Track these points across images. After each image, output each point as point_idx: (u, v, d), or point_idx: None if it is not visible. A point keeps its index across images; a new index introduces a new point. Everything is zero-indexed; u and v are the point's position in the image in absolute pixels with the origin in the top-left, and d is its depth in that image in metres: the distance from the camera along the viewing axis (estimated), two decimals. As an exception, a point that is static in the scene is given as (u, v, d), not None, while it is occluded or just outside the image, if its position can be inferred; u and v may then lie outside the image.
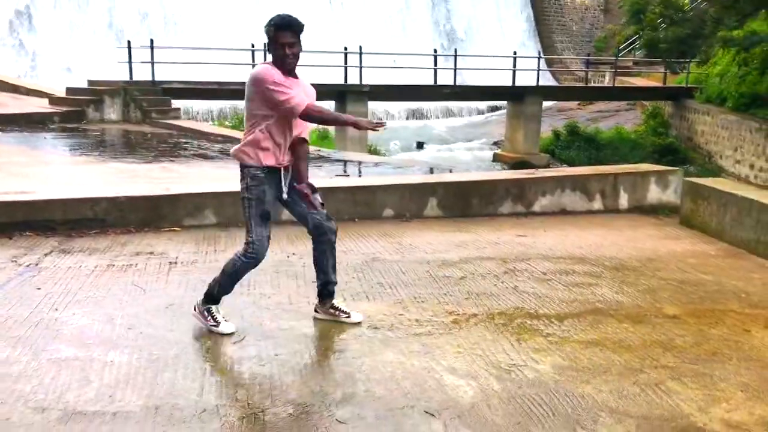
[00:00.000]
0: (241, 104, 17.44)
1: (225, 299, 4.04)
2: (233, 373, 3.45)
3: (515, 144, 23.01)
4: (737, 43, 20.57)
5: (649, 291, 5.02)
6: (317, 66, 20.56)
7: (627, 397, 3.33)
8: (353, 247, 5.92)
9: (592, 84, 29.64)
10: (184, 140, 13.92)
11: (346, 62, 20.91)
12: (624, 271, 5.53)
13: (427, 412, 3.10)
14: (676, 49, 20.12)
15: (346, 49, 20.88)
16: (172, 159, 11.15)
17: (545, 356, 3.77)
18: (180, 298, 4.45)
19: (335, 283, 4.17)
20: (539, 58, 25.99)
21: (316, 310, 4.21)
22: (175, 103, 17.57)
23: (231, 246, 5.74)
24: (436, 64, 22.34)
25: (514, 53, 23.75)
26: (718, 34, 20.47)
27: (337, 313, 4.15)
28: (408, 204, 7.18)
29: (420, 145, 26.58)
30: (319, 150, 13.52)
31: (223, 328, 3.90)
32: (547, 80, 33.09)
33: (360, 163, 12.20)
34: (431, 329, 4.11)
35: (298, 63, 3.78)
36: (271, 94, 3.66)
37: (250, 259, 3.85)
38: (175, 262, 5.27)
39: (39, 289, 4.54)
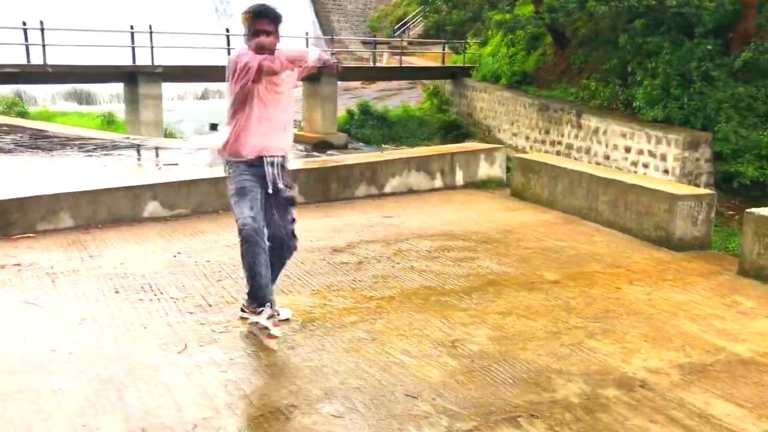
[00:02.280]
0: (3, 88, 15.96)
1: (146, 306, 3.84)
2: (200, 383, 3.33)
3: (314, 124, 23.31)
4: (508, 25, 22.59)
5: (524, 260, 5.57)
6: (103, 46, 19.22)
7: (562, 358, 3.76)
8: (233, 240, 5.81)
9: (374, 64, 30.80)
10: (-35, 132, 12.36)
11: (133, 42, 19.67)
12: (493, 243, 6.05)
13: (408, 395, 3.27)
14: (459, 30, 21.62)
15: (132, 27, 19.64)
16: (-35, 155, 9.89)
17: (476, 329, 4.10)
18: (88, 312, 4.12)
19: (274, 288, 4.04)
20: (326, 39, 26.38)
21: (242, 310, 4.06)
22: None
23: (104, 250, 5.38)
24: (229, 45, 21.83)
25: (306, 34, 23.91)
26: (492, 18, 22.32)
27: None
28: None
29: (214, 127, 25.89)
30: (128, 137, 12.77)
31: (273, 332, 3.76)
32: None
33: (159, 149, 11.72)
34: (363, 316, 4.25)
35: None
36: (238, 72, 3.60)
37: (244, 240, 3.68)
38: (54, 273, 4.82)
39: None
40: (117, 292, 4.49)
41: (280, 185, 3.82)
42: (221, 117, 27.11)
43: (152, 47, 19.54)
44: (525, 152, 21.78)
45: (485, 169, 8.88)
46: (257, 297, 3.74)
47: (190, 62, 20.56)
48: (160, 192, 6.45)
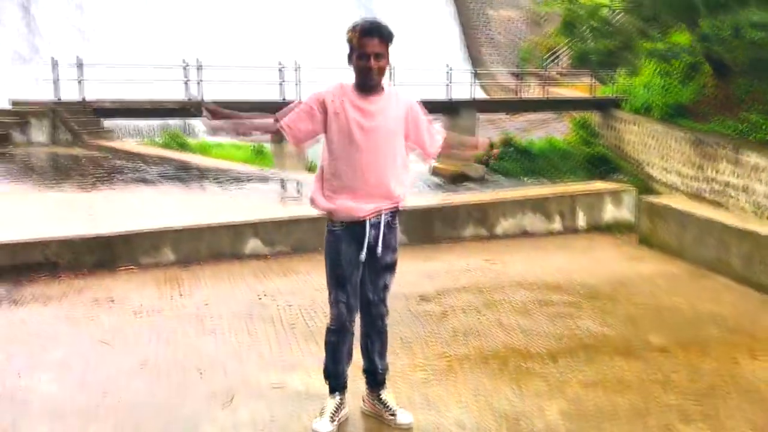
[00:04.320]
0: (170, 122, 16.85)
1: (210, 350, 3.77)
2: (233, 444, 3.19)
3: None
4: (660, 54, 21.33)
5: (631, 320, 5.00)
6: (254, 82, 20.25)
7: (643, 445, 3.25)
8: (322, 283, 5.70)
9: (521, 95, 30.22)
10: (119, 163, 13.35)
11: (282, 77, 20.59)
12: (600, 298, 5.51)
13: (447, 478, 2.93)
14: (606, 60, 20.71)
15: (280, 63, 20.57)
16: (111, 186, 10.62)
17: (549, 402, 3.66)
18: (153, 355, 4.14)
19: (382, 371, 3.47)
20: (473, 72, 26.29)
21: (363, 400, 3.51)
22: (106, 123, 16.90)
23: (196, 289, 5.44)
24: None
25: (448, 66, 23.90)
26: (643, 46, 21.17)
27: (381, 409, 3.42)
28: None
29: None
30: (263, 170, 13.23)
31: (317, 426, 3.25)
32: (478, 92, 33.58)
33: (288, 181, 11.94)
34: (426, 376, 3.95)
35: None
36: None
37: (330, 328, 3.31)
38: (140, 311, 4.93)
39: (-5, 350, 4.15)
40: (189, 334, 4.50)
41: (382, 251, 3.25)
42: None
43: (298, 82, 20.34)
44: (677, 189, 20.33)
45: (611, 212, 8.25)
46: (328, 381, 3.39)
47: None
48: (261, 230, 6.50)
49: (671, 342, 4.58)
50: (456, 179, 22.66)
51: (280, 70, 20.55)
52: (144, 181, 11.41)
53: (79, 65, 16.60)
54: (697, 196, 19.29)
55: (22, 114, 14.98)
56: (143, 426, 3.30)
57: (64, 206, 8.45)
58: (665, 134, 21.46)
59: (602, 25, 20.79)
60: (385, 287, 3.36)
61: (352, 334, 3.34)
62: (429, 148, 3.41)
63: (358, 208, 3.17)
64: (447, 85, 23.43)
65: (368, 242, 3.20)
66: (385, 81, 3.20)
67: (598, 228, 8.09)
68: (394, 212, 3.30)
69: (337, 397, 3.35)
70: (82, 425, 3.29)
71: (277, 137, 3.24)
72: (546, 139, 26.96)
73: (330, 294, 3.29)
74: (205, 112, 3.17)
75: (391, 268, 3.33)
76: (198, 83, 19.05)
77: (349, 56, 3.11)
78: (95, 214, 7.74)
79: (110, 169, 12.43)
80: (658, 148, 21.87)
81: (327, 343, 3.34)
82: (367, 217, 3.19)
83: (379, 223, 3.22)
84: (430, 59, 33.98)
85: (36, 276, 5.54)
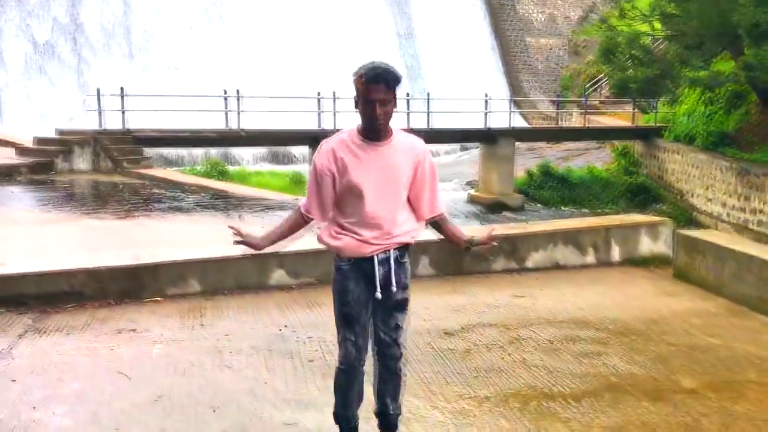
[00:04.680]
0: (211, 150, 17.13)
1: (226, 385, 3.72)
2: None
3: (489, 185, 23.00)
4: (703, 83, 20.93)
5: (661, 359, 4.81)
6: (290, 112, 20.47)
7: (667, 498, 3.08)
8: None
9: (561, 123, 29.97)
10: (157, 191, 13.57)
11: (319, 107, 20.79)
12: (630, 336, 5.33)
13: None
14: (646, 89, 20.41)
15: (319, 94, 20.77)
16: (147, 213, 10.79)
17: (570, 447, 3.52)
18: (169, 388, 4.11)
19: (394, 415, 3.36)
20: (510, 100, 26.20)
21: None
22: (147, 151, 17.24)
23: (219, 320, 5.43)
24: (408, 108, 22.34)
25: (486, 95, 23.86)
26: (685, 74, 20.82)
27: None
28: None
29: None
30: (297, 198, 13.28)
31: None
32: (517, 120, 33.44)
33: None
34: (443, 419, 3.83)
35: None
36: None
37: (339, 368, 3.22)
38: (161, 341, 4.92)
39: (14, 381, 4.17)
40: (206, 367, 4.46)
41: (393, 289, 3.16)
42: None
43: (335, 112, 20.51)
44: (721, 220, 19.81)
45: (647, 245, 8.03)
46: (338, 424, 3.30)
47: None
48: (286, 261, 6.48)
49: (703, 384, 4.38)
50: (494, 207, 22.49)
51: (318, 100, 20.74)
52: (179, 209, 11.57)
53: (122, 95, 17.00)
54: (742, 228, 18.74)
55: (66, 142, 15.39)
56: (150, 464, 3.26)
57: (97, 234, 8.59)
58: (709, 163, 20.97)
59: (642, 53, 20.52)
60: (398, 327, 3.25)
61: (362, 374, 3.25)
62: (422, 212, 3.26)
63: (364, 246, 3.11)
64: (485, 113, 23.36)
65: (379, 280, 3.12)
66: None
67: (633, 261, 7.87)
68: (404, 248, 3.22)
69: None
70: (89, 461, 3.27)
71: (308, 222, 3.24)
72: (586, 168, 26.63)
73: (338, 333, 3.21)
74: (238, 238, 3.25)
75: (401, 306, 3.24)
76: (238, 113, 19.33)
77: (356, 101, 3.05)
78: (126, 242, 7.84)
79: (147, 197, 12.64)
80: (701, 178, 21.37)
81: (336, 385, 3.25)
82: (375, 254, 3.12)
83: (388, 258, 3.14)
84: (469, 87, 34.04)
85: (62, 306, 5.60)
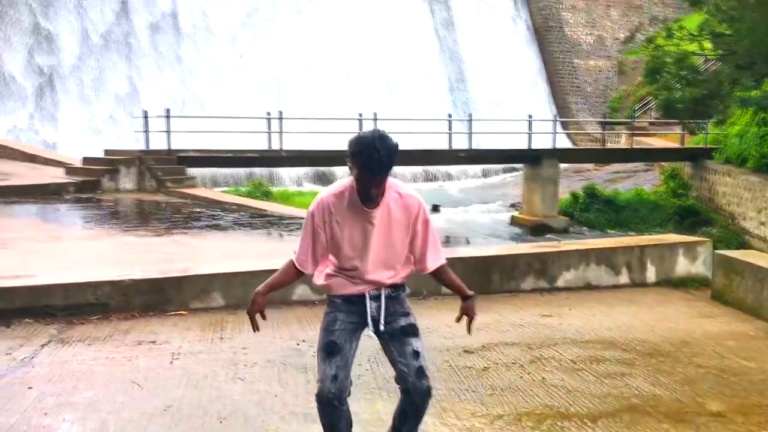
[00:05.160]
0: (256, 171, 17.25)
1: (236, 396, 3.70)
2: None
3: (533, 206, 22.72)
4: (755, 103, 20.36)
5: (688, 382, 4.62)
6: (329, 133, 20.65)
7: None
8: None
9: (608, 145, 29.50)
10: (198, 210, 13.78)
11: (361, 128, 20.92)
12: (658, 357, 5.14)
13: None
14: (693, 109, 19.94)
15: (360, 115, 20.93)
16: (184, 231, 10.95)
17: (580, 469, 3.39)
18: (179, 398, 4.12)
19: None
20: (554, 121, 25.92)
21: None
22: (192, 171, 17.58)
23: (238, 334, 5.44)
24: (450, 129, 22.32)
25: (529, 116, 23.67)
26: (735, 95, 20.29)
27: None
28: (424, 280, 6.85)
29: (435, 208, 26.34)
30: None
31: None
32: (563, 141, 33.06)
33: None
34: (452, 435, 3.74)
35: None
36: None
37: (318, 403, 3.06)
38: (178, 353, 4.95)
39: (30, 388, 4.23)
40: (219, 379, 4.47)
41: (382, 325, 3.10)
42: (444, 199, 27.52)
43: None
44: (775, 244, 19.13)
45: (685, 265, 7.79)
46: None
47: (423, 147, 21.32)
48: (310, 276, 6.45)
49: (730, 407, 4.19)
50: (537, 230, 22.18)
51: (360, 122, 20.89)
52: (216, 227, 11.71)
53: (167, 117, 17.42)
54: (796, 252, 18.04)
55: (112, 162, 15.79)
56: (149, 472, 3.26)
57: (133, 249, 8.74)
58: (762, 186, 20.33)
59: (690, 73, 20.10)
60: (416, 354, 3.08)
61: (345, 412, 3.09)
62: (426, 266, 3.18)
63: (355, 286, 3.09)
64: (528, 134, 23.16)
65: (370, 311, 3.07)
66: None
67: (669, 282, 7.64)
68: (397, 286, 3.16)
69: None
70: (90, 468, 3.28)
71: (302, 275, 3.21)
72: (634, 191, 26.09)
73: (318, 369, 3.06)
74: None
75: (411, 331, 3.13)
76: (280, 134, 19.59)
77: (349, 166, 2.92)
78: (158, 258, 7.95)
79: (187, 215, 12.84)
80: (753, 201, 20.72)
81: (320, 416, 3.09)
82: (366, 291, 3.09)
83: (379, 295, 3.09)
84: (514, 108, 33.88)
85: (88, 317, 5.69)
